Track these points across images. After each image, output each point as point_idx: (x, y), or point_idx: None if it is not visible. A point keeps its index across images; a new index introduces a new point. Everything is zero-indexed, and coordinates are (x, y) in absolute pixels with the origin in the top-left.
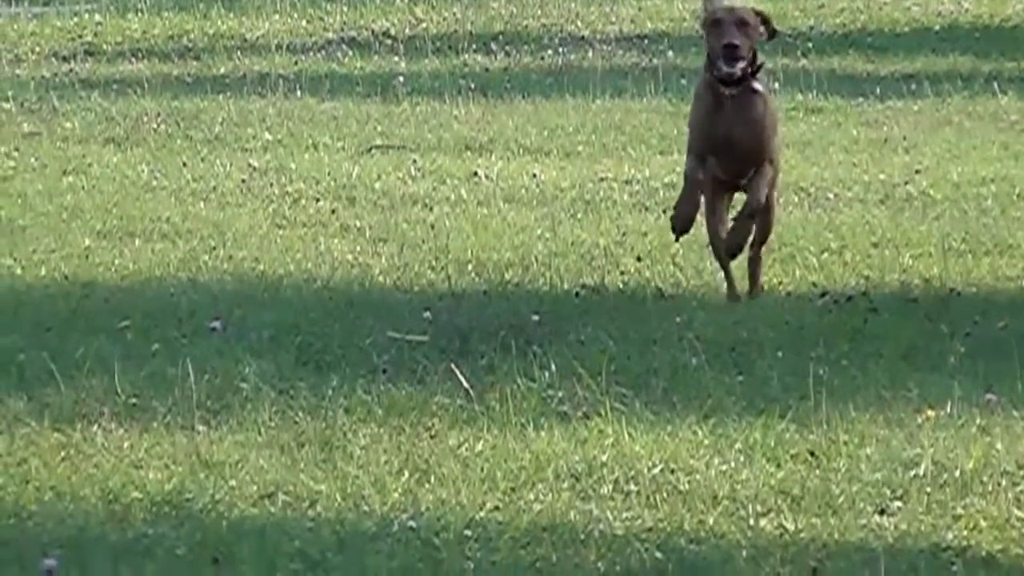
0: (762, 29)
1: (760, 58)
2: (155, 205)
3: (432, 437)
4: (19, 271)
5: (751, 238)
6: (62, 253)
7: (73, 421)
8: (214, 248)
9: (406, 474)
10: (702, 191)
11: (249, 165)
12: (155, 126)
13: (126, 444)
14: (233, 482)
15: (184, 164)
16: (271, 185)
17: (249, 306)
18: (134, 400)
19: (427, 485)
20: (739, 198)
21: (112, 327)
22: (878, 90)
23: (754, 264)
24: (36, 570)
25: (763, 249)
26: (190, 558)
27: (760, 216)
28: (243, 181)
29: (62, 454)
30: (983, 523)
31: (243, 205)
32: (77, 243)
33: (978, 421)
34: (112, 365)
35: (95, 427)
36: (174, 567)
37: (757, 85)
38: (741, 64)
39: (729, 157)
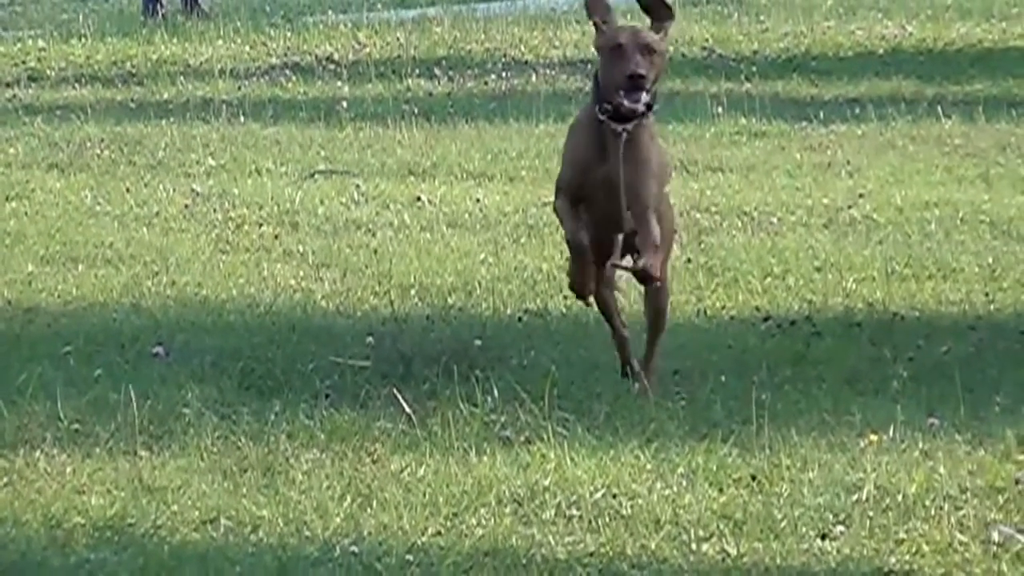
0: (665, 50)
1: (656, 92)
2: (98, 231)
3: (374, 462)
4: None
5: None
6: (5, 278)
7: (15, 446)
8: (157, 273)
9: (348, 499)
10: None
11: (192, 190)
12: (98, 151)
13: (68, 469)
14: (175, 507)
15: (127, 189)
16: (214, 210)
17: (192, 331)
18: (76, 425)
19: (369, 510)
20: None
21: (55, 352)
22: (822, 114)
23: (649, 359)
24: None
25: (657, 344)
26: None
27: (652, 297)
28: (186, 206)
29: (4, 479)
30: (926, 547)
31: (186, 230)
32: (20, 268)
33: (921, 445)
34: (55, 390)
35: (37, 452)
36: None
37: (647, 120)
38: (645, 98)
39: (608, 206)
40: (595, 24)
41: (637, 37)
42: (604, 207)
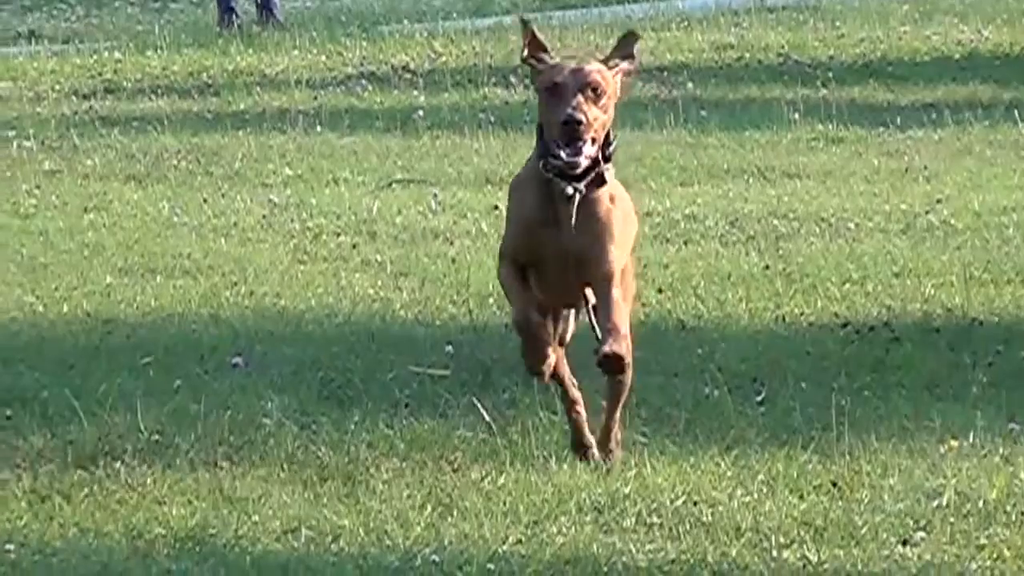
0: (616, 89)
1: (614, 137)
2: (176, 242)
3: (455, 471)
4: (41, 308)
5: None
6: (84, 290)
7: (96, 458)
8: (235, 284)
9: (429, 508)
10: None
11: (270, 200)
12: (175, 162)
13: (149, 480)
14: (256, 517)
15: (205, 200)
16: (292, 220)
17: (271, 342)
18: (157, 436)
19: (450, 519)
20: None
21: (134, 363)
22: (898, 119)
23: (606, 433)
24: None
25: (617, 415)
26: None
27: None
28: (264, 217)
29: (85, 490)
30: (1007, 552)
31: (264, 241)
32: (99, 280)
33: (1001, 451)
34: (135, 401)
35: (118, 463)
36: None
37: (607, 175)
38: (588, 149)
39: (560, 279)
40: (530, 64)
41: (579, 75)
42: (556, 280)
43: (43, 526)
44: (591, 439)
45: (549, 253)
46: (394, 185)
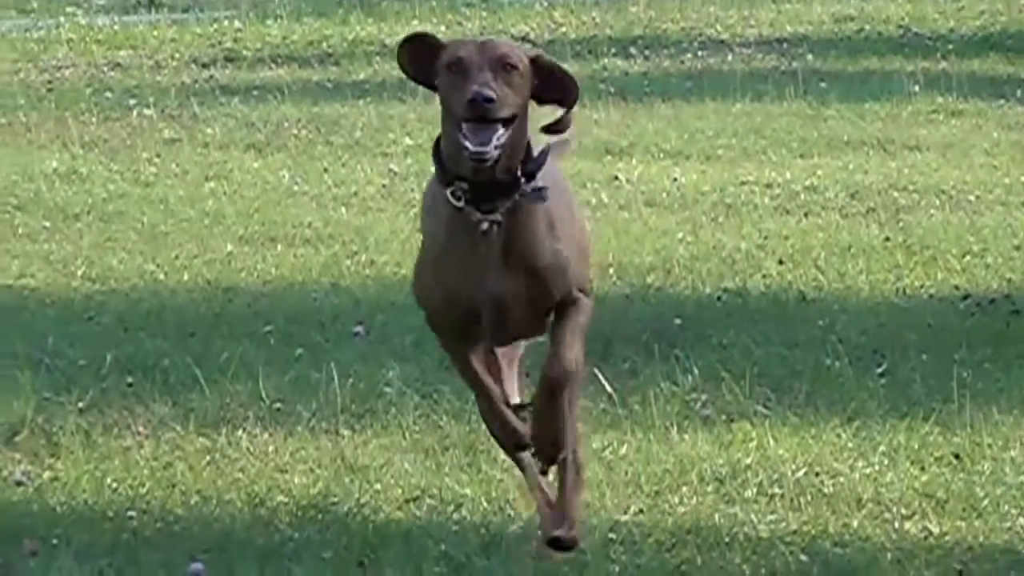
0: (532, 77)
1: (536, 141)
2: (296, 211)
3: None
4: (162, 276)
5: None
6: (204, 258)
7: (218, 426)
8: (356, 253)
9: (551, 477)
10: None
11: (390, 170)
12: (295, 132)
13: (271, 448)
14: (378, 486)
15: (325, 169)
16: (412, 190)
17: (391, 311)
18: (278, 405)
19: None
20: None
21: (256, 332)
22: (1019, 92)
23: (567, 482)
24: (182, 574)
25: (577, 456)
26: (336, 562)
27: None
28: (384, 186)
29: (207, 458)
30: None
31: (384, 210)
32: (219, 248)
33: None
34: (256, 370)
35: (240, 431)
36: (320, 571)
37: (539, 185)
38: (500, 139)
39: (497, 323)
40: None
41: (487, 48)
42: (491, 325)
43: (165, 493)
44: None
45: (479, 305)
46: None
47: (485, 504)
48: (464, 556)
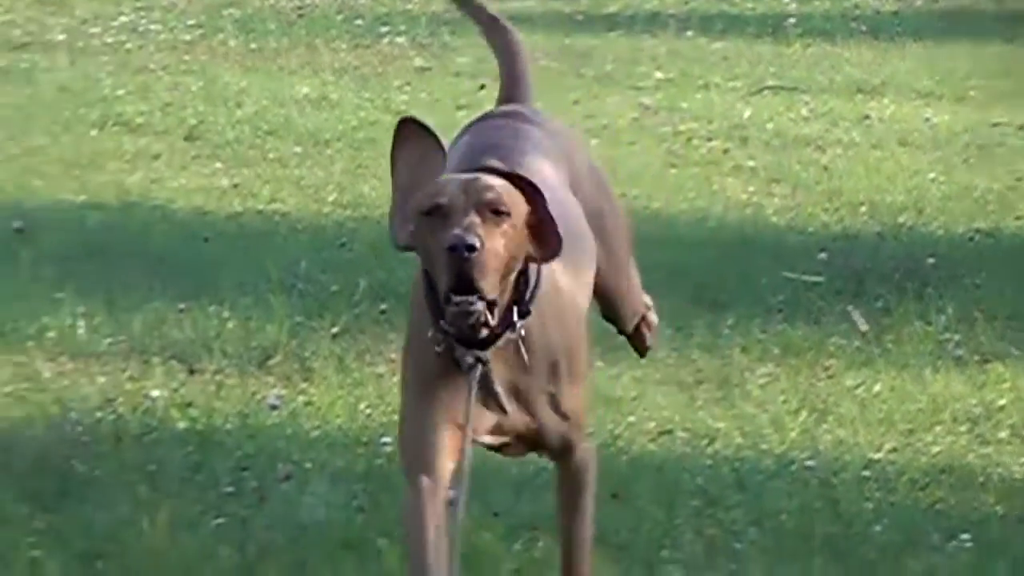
0: (524, 216)
1: (534, 282)
2: None
3: (829, 377)
4: None
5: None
6: None
7: None
8: None
9: (804, 414)
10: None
11: (641, 103)
12: (546, 63)
13: None
14: (632, 418)
15: (576, 102)
16: (663, 124)
17: (643, 244)
18: None
19: (825, 425)
20: None
21: None
22: None
23: None
24: None
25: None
26: None
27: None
28: (635, 119)
29: None
30: None
31: (635, 143)
32: None
33: None
34: None
35: None
36: None
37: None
38: (489, 290)
39: (497, 447)
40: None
41: (471, 188)
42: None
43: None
44: None
45: (477, 433)
46: (765, 91)
47: (739, 439)
48: (718, 490)
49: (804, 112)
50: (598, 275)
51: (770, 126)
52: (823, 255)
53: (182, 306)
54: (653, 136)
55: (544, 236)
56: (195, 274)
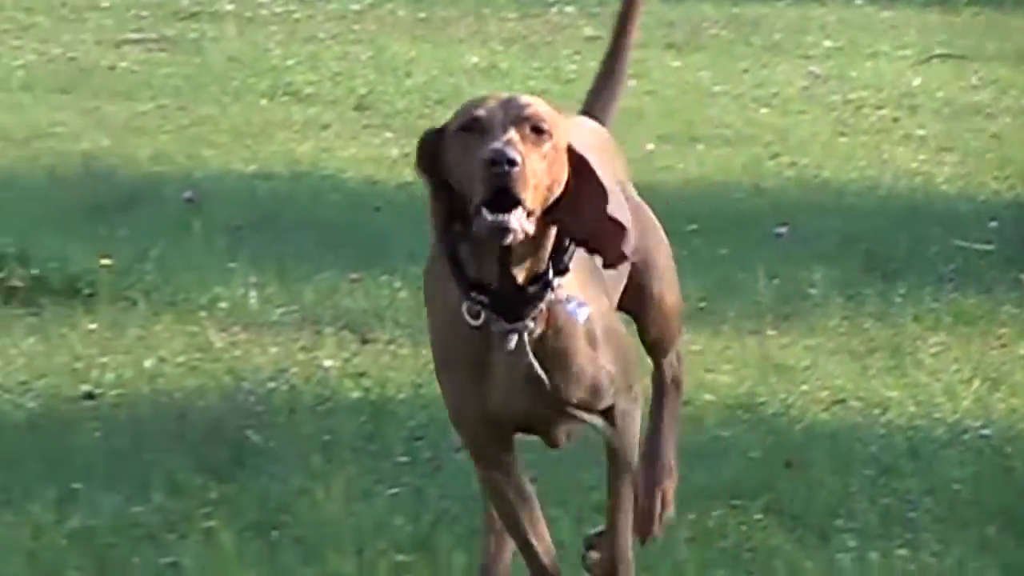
0: (564, 149)
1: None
2: (716, 111)
3: (1002, 346)
4: None
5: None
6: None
7: None
8: (777, 154)
9: (976, 382)
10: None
11: (810, 72)
12: (714, 32)
13: (696, 347)
14: (804, 387)
15: (745, 70)
16: (832, 92)
17: (813, 213)
18: (703, 304)
19: (998, 394)
20: None
21: (679, 230)
22: None
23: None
24: None
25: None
26: (763, 461)
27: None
28: (804, 88)
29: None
30: None
31: (804, 112)
32: (639, 146)
33: None
34: (680, 268)
35: None
36: (747, 469)
37: (569, 302)
38: (523, 220)
39: (532, 431)
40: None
41: (511, 106)
42: (529, 432)
43: None
44: None
45: (513, 417)
46: (934, 60)
47: (912, 407)
48: (891, 459)
49: (974, 80)
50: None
51: (940, 94)
52: (994, 223)
53: (354, 276)
54: (822, 105)
55: (590, 186)
56: (366, 244)
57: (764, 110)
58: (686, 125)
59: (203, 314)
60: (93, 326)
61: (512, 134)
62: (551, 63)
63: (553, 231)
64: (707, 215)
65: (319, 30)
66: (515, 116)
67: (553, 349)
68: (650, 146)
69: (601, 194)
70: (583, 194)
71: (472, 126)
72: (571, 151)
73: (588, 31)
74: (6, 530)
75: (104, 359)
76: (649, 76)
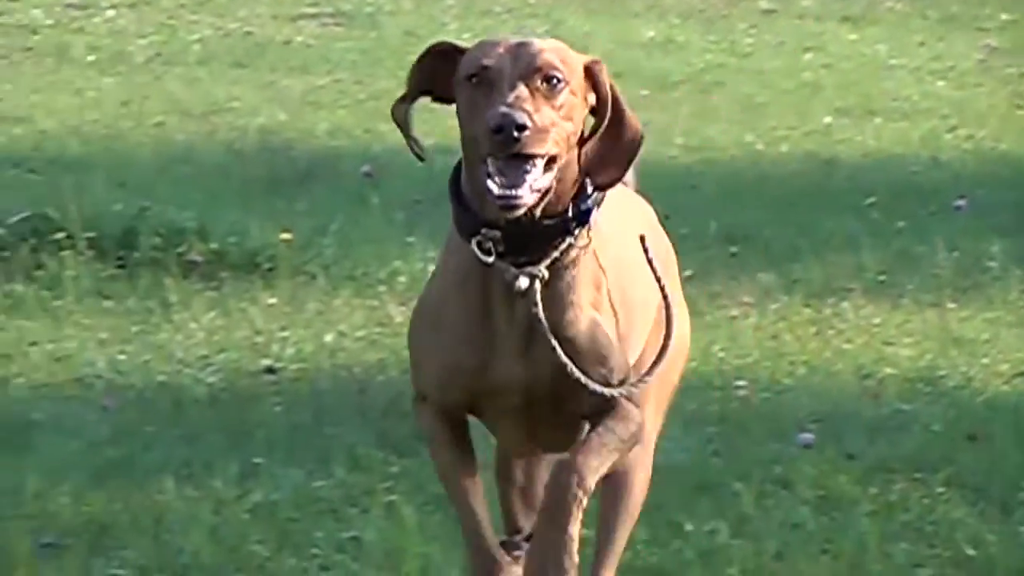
0: (592, 98)
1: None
2: (892, 84)
3: None
4: (760, 147)
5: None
6: (803, 130)
7: (823, 296)
8: (954, 127)
9: None
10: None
11: (986, 45)
12: (891, 5)
13: (876, 320)
14: (985, 360)
15: (921, 43)
16: (1009, 66)
17: (992, 185)
18: (882, 277)
19: None
20: None
21: (857, 204)
22: None
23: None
24: (792, 443)
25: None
26: (945, 435)
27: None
28: (980, 61)
29: (813, 329)
30: None
31: (981, 85)
32: (817, 120)
33: None
34: (859, 241)
35: (845, 303)
36: (929, 443)
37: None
38: (538, 179)
39: (513, 417)
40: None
41: (521, 54)
42: (523, 424)
43: (773, 364)
44: None
45: (501, 386)
46: None
47: None
48: None
49: None
50: None
51: None
52: None
53: None
54: (998, 78)
55: (614, 122)
56: None
57: (940, 83)
58: (863, 98)
59: (382, 288)
60: (273, 300)
61: (521, 90)
62: (727, 36)
63: (575, 163)
64: (885, 188)
65: (495, 4)
66: (525, 68)
67: (559, 299)
68: (827, 119)
69: (634, 130)
70: (611, 134)
71: (480, 76)
72: (600, 86)
73: (764, 4)
74: (189, 505)
75: (284, 333)
76: (826, 49)
